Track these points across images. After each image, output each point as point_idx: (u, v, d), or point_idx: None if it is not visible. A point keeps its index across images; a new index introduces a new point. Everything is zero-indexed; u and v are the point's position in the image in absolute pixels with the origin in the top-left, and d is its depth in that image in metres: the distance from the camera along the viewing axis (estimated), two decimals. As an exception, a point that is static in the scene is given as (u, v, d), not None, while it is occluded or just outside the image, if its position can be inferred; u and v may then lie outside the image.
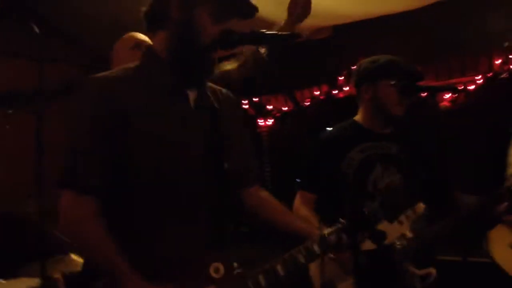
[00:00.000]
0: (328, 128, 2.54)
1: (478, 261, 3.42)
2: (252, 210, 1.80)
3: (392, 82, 2.37)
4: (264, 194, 1.84)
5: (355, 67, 2.56)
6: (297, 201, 2.48)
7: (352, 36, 4.93)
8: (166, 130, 1.53)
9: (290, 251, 1.60)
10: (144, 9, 1.61)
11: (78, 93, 1.54)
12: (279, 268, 1.57)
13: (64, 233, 1.53)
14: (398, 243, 2.00)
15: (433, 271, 2.27)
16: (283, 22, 2.17)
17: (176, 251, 1.50)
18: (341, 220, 1.59)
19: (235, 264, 1.53)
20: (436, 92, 2.57)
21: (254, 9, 1.59)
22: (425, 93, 2.63)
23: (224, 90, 1.76)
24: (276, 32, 1.49)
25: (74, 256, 3.08)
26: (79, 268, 2.97)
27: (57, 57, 4.58)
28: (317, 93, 5.80)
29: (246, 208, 1.79)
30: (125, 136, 1.47)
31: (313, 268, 2.18)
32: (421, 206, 2.27)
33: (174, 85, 1.58)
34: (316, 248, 1.59)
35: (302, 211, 2.40)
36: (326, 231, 1.61)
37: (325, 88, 5.68)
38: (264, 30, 1.49)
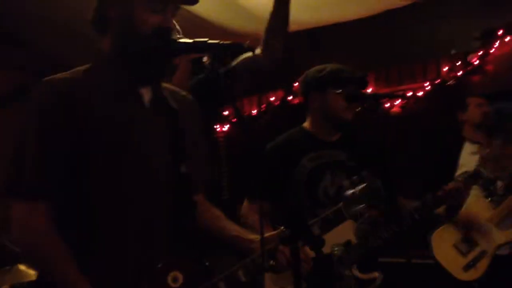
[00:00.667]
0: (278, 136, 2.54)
1: (422, 262, 3.52)
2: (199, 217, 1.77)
3: (339, 91, 2.42)
4: (206, 202, 1.81)
5: (301, 77, 2.58)
6: (245, 208, 2.47)
7: (306, 43, 5.01)
8: (121, 131, 1.51)
9: (250, 257, 1.60)
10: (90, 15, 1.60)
11: (29, 97, 1.51)
12: (240, 273, 1.57)
13: (18, 244, 1.50)
14: (336, 249, 2.03)
15: (377, 275, 2.30)
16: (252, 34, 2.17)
17: (133, 259, 1.48)
18: (281, 228, 1.61)
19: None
20: (381, 99, 2.62)
21: None
22: (372, 101, 2.68)
23: (183, 92, 1.74)
24: (218, 42, 1.49)
25: (22, 267, 2.99)
26: (27, 279, 2.91)
27: (5, 62, 4.48)
28: (273, 99, 5.85)
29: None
30: (79, 139, 1.45)
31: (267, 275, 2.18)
32: (372, 209, 2.34)
33: (126, 85, 1.55)
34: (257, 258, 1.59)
35: (250, 219, 2.39)
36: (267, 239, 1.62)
37: (280, 94, 5.73)
38: (206, 39, 1.49)
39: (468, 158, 3.30)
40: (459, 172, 3.30)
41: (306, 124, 2.57)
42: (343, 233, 2.27)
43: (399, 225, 2.49)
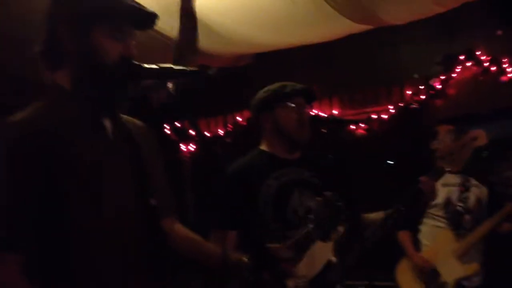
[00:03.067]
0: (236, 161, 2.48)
1: (385, 285, 3.54)
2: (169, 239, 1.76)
3: (288, 105, 2.42)
4: (180, 227, 1.80)
5: (251, 101, 2.56)
6: (215, 242, 2.39)
7: (271, 65, 5.03)
8: (92, 169, 1.45)
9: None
10: (38, 48, 1.51)
11: None
12: None
13: None
14: (300, 282, 2.00)
15: None
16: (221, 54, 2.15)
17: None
18: (244, 258, 1.59)
19: None
20: (339, 124, 2.61)
21: (154, 16, 1.53)
22: (333, 124, 2.68)
23: (137, 121, 1.71)
24: (184, 68, 1.47)
25: None
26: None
27: None
28: (240, 119, 5.85)
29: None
30: (51, 182, 1.38)
31: None
32: (340, 229, 2.32)
33: (91, 118, 1.50)
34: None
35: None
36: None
37: (247, 114, 5.73)
38: (171, 66, 1.47)
39: (441, 190, 3.30)
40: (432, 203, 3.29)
41: (262, 146, 2.53)
42: (322, 254, 2.27)
43: (371, 238, 2.47)
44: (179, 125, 6.20)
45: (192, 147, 6.15)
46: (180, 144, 6.20)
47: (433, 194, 2.54)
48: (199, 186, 5.99)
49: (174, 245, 1.74)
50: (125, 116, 1.65)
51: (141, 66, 1.50)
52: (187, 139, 6.16)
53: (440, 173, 2.48)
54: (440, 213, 3.35)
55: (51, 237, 1.39)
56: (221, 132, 5.97)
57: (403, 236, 3.34)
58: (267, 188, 2.34)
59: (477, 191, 3.44)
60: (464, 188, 3.42)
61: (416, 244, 3.45)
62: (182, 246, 1.78)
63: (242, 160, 2.47)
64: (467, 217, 3.37)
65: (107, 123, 1.54)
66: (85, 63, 1.48)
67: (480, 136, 2.33)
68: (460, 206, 3.38)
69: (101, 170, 1.46)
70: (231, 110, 5.88)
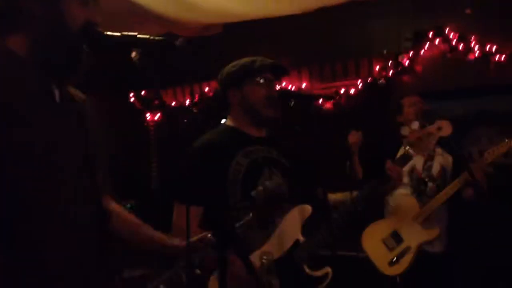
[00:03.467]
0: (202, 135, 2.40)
1: (348, 255, 3.61)
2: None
3: (257, 80, 2.35)
4: (116, 205, 1.71)
5: (219, 74, 2.48)
6: (178, 217, 2.30)
7: (241, 36, 4.96)
8: (38, 137, 1.37)
9: (172, 269, 1.55)
10: None
11: None
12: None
13: None
14: (264, 258, 1.99)
15: (329, 269, 2.26)
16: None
17: (55, 277, 1.36)
18: (208, 235, 1.56)
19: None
20: (307, 100, 2.58)
21: None
22: (302, 100, 2.63)
23: (80, 93, 1.61)
24: (148, 37, 1.41)
25: None
26: None
27: None
28: (206, 89, 5.77)
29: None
30: None
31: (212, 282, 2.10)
32: (308, 209, 2.30)
33: (40, 86, 1.42)
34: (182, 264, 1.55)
35: (193, 230, 2.27)
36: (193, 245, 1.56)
37: (214, 84, 5.66)
38: (135, 34, 1.42)
39: None
40: None
41: (228, 122, 2.46)
42: (290, 234, 2.26)
43: (338, 221, 2.40)
44: (143, 93, 6.10)
45: (157, 116, 6.07)
46: (145, 113, 6.10)
47: (399, 180, 2.54)
48: (164, 156, 5.94)
49: (120, 230, 1.67)
50: (70, 87, 1.57)
51: (104, 34, 1.44)
52: (152, 108, 6.07)
53: (407, 159, 2.49)
54: (405, 180, 3.41)
55: None
56: (187, 102, 5.89)
57: None
58: (237, 165, 2.28)
59: (441, 160, 3.54)
60: (429, 156, 3.49)
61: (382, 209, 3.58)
62: (120, 226, 1.68)
63: (209, 136, 2.39)
64: (430, 184, 3.47)
65: (56, 93, 1.46)
66: (49, 28, 1.40)
67: (445, 127, 2.38)
68: (424, 174, 3.47)
69: (50, 142, 1.39)
70: (198, 80, 5.79)
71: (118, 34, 1.43)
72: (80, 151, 1.47)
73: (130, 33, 1.43)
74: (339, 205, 2.44)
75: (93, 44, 1.43)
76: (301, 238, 2.25)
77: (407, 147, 2.43)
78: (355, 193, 2.41)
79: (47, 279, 1.34)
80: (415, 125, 2.49)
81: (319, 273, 2.26)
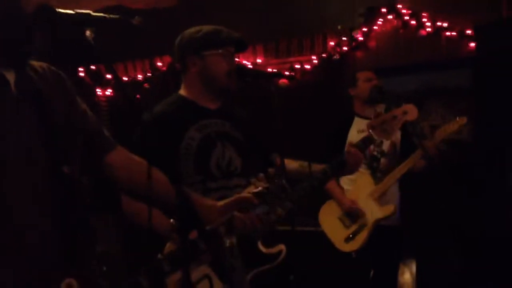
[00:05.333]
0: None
1: (306, 230, 3.67)
2: (120, 176, 1.68)
3: (219, 51, 2.28)
4: (125, 153, 1.71)
5: (177, 40, 2.36)
6: None
7: (194, 9, 4.87)
8: None
9: (153, 261, 1.52)
10: None
11: None
12: (165, 263, 1.51)
13: None
14: (228, 241, 1.96)
15: (283, 247, 2.25)
16: None
17: (20, 272, 1.32)
18: (171, 220, 1.53)
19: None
20: (265, 78, 2.50)
21: None
22: (260, 78, 2.56)
23: (44, 65, 1.54)
24: (103, 15, 1.37)
25: None
26: None
27: None
28: (160, 64, 5.66)
29: (115, 175, 1.66)
30: None
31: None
32: (265, 185, 2.29)
33: None
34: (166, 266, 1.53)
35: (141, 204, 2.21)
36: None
37: (167, 59, 5.56)
38: (89, 12, 1.37)
39: (356, 136, 3.38)
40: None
41: (182, 91, 2.37)
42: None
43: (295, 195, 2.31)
44: (94, 68, 5.93)
45: (108, 92, 5.92)
46: (96, 89, 5.94)
47: (357, 166, 2.46)
48: (116, 133, 5.81)
49: (125, 175, 1.68)
50: (33, 62, 1.50)
51: (57, 11, 1.38)
52: (104, 83, 5.91)
53: (369, 143, 2.45)
54: (392, 137, 3.45)
55: None
56: (140, 77, 5.76)
57: (330, 184, 3.41)
58: (189, 140, 2.23)
59: None
60: None
61: None
62: (132, 172, 1.68)
63: (161, 107, 2.29)
64: (383, 160, 3.52)
65: (11, 76, 1.39)
66: (5, 11, 1.35)
67: (411, 111, 2.34)
68: (376, 150, 3.52)
69: (3, 135, 1.33)
70: (150, 54, 5.66)
71: (72, 12, 1.38)
72: (39, 140, 1.39)
73: (84, 11, 1.38)
74: (294, 174, 2.40)
75: (48, 23, 1.37)
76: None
77: (370, 130, 2.39)
78: (313, 166, 2.38)
79: None
80: (380, 108, 2.48)
81: (272, 250, 2.24)
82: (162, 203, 1.70)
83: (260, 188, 1.89)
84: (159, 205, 1.75)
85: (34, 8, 1.35)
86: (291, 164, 2.46)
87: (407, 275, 3.72)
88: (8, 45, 1.37)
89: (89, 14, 1.38)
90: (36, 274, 1.33)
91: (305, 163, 2.38)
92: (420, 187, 3.90)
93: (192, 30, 2.34)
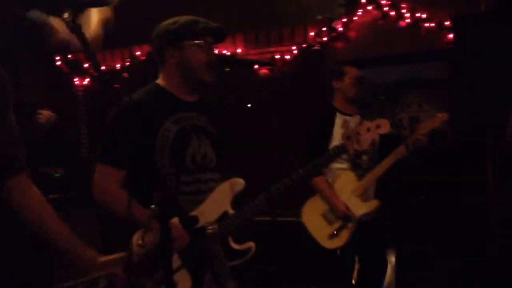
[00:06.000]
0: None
1: (286, 220, 3.67)
2: (18, 207, 1.53)
3: (197, 42, 2.25)
4: (36, 193, 1.58)
5: (154, 30, 2.33)
6: (101, 178, 2.19)
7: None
8: None
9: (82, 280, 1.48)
10: None
11: None
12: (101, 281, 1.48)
13: None
14: (209, 227, 1.97)
15: (252, 244, 2.27)
16: None
17: None
18: (152, 207, 1.50)
19: None
20: (245, 66, 2.52)
21: None
22: (241, 67, 2.57)
23: None
24: None
25: None
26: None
27: None
28: (138, 53, 5.60)
29: (12, 203, 1.52)
30: None
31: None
32: (241, 182, 2.31)
33: None
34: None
35: (116, 192, 2.14)
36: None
37: (146, 48, 5.50)
38: None
39: (339, 131, 3.42)
40: (332, 144, 3.37)
41: (160, 81, 2.34)
42: (220, 205, 2.26)
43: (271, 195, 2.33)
44: (71, 57, 5.84)
45: (86, 81, 5.84)
46: (74, 78, 5.86)
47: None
48: (93, 122, 5.75)
49: (24, 212, 1.54)
50: None
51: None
52: (81, 73, 5.82)
53: (343, 152, 2.51)
54: (366, 148, 3.46)
55: None
56: (118, 66, 5.69)
57: (319, 181, 3.44)
58: (165, 131, 2.21)
59: None
60: None
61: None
62: (35, 216, 1.55)
63: (137, 95, 2.25)
64: (364, 157, 3.53)
65: None
66: None
67: (383, 125, 2.43)
68: None
69: None
70: (129, 43, 5.60)
71: None
72: None
73: None
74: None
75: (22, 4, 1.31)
76: (230, 211, 2.25)
77: (345, 141, 2.44)
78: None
79: None
80: (355, 120, 2.53)
81: (242, 246, 2.27)
82: None
83: None
84: None
85: None
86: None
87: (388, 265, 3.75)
88: None
89: None
90: None
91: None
92: (398, 178, 3.93)
93: (170, 21, 2.31)
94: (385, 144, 3.48)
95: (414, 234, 4.02)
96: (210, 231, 1.94)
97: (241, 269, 2.26)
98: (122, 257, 1.62)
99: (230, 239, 2.26)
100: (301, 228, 3.48)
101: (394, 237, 3.92)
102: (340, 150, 2.44)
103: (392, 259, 3.77)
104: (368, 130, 2.40)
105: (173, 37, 2.26)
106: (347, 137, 2.40)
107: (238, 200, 2.31)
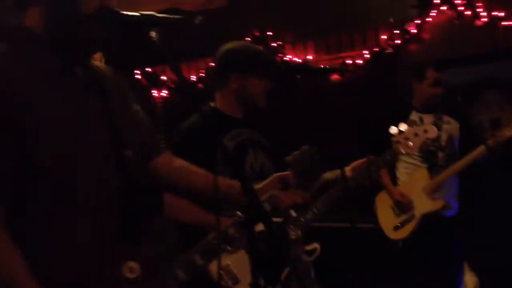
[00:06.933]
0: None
1: (367, 227, 3.70)
2: (168, 180, 1.75)
3: (264, 73, 2.42)
4: (178, 161, 1.77)
5: (220, 52, 2.49)
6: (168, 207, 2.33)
7: (245, 9, 4.92)
8: (60, 120, 1.40)
9: (207, 239, 1.57)
10: None
11: None
12: (197, 257, 1.53)
13: None
14: (292, 233, 2.05)
15: (317, 245, 2.37)
16: None
17: (86, 252, 1.41)
18: (238, 213, 1.58)
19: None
20: (317, 74, 2.72)
21: None
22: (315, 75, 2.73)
23: (103, 66, 1.64)
24: (167, 16, 1.42)
25: None
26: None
27: None
28: (213, 64, 5.73)
29: (161, 180, 1.73)
30: (21, 129, 1.33)
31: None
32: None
33: (61, 65, 1.44)
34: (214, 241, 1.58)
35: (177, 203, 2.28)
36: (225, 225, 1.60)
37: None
38: (153, 13, 1.42)
39: None
40: None
41: (217, 104, 2.52)
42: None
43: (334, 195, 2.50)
44: (149, 70, 6.07)
45: (164, 93, 6.04)
46: (152, 90, 6.08)
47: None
48: (171, 134, 5.93)
49: (171, 180, 1.74)
50: (94, 63, 1.59)
51: (122, 14, 1.44)
52: (159, 85, 6.04)
53: (394, 157, 2.65)
54: (415, 151, 3.45)
55: (21, 186, 1.35)
56: (193, 78, 5.86)
57: (382, 173, 3.50)
58: (224, 148, 2.31)
59: (448, 128, 3.58)
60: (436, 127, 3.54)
61: (393, 179, 3.64)
62: (181, 178, 1.76)
63: (195, 120, 2.40)
64: (441, 154, 3.52)
65: (78, 70, 1.49)
66: (61, 10, 1.42)
67: (430, 130, 2.55)
68: (433, 145, 3.52)
69: (71, 121, 1.42)
70: (203, 55, 5.75)
71: (137, 14, 1.43)
72: (103, 128, 1.48)
73: (148, 13, 1.43)
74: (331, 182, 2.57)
75: (111, 25, 1.44)
76: (293, 213, 2.30)
77: (394, 145, 2.54)
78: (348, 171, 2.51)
79: (71, 249, 1.40)
80: (403, 126, 2.60)
81: (308, 247, 2.36)
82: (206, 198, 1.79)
83: None
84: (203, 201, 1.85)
85: (93, 9, 1.41)
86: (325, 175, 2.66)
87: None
88: (72, 43, 1.44)
89: (153, 15, 1.43)
90: (102, 249, 1.43)
91: (337, 171, 2.52)
92: (479, 178, 3.84)
93: (237, 47, 2.48)
94: (465, 145, 3.47)
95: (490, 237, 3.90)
96: (293, 236, 2.01)
97: (320, 276, 2.31)
98: (274, 180, 1.81)
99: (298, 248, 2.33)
100: (380, 235, 3.54)
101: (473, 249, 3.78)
102: (392, 155, 2.54)
103: (472, 278, 3.63)
104: (416, 135, 2.50)
105: (239, 65, 2.41)
106: (396, 141, 2.49)
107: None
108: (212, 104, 2.53)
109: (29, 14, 1.43)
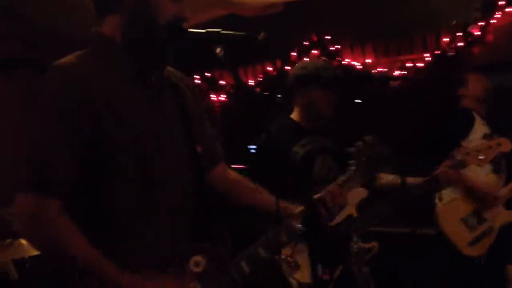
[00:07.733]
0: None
1: (426, 233, 3.57)
2: (220, 190, 1.80)
3: (325, 87, 2.70)
4: (232, 173, 1.85)
5: (288, 73, 2.87)
6: None
7: (303, 12, 4.92)
8: (137, 119, 1.48)
9: (269, 232, 1.61)
10: None
11: (42, 84, 1.45)
12: (261, 250, 1.57)
13: (27, 236, 1.45)
14: (355, 246, 2.13)
15: (376, 244, 2.49)
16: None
17: (155, 246, 1.48)
18: (298, 226, 1.62)
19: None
20: (375, 81, 2.86)
21: None
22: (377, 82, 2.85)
23: (176, 72, 1.72)
24: (231, 33, 1.50)
25: (23, 241, 2.98)
26: (28, 254, 2.90)
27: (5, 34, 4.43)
28: (270, 68, 5.77)
29: (215, 188, 1.78)
30: (96, 129, 1.41)
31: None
32: (363, 191, 2.53)
33: (137, 71, 1.53)
34: (284, 236, 1.63)
35: None
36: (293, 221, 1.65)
37: (278, 63, 5.65)
38: (219, 30, 1.49)
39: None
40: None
41: (294, 116, 2.85)
42: (347, 209, 2.47)
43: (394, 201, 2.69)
44: (209, 74, 6.17)
45: (222, 97, 6.13)
46: (210, 94, 6.18)
47: (448, 183, 2.79)
48: (229, 138, 6.00)
49: (226, 191, 1.80)
50: (170, 68, 1.68)
51: (188, 31, 1.51)
52: (218, 89, 6.13)
53: (462, 165, 2.68)
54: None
55: (93, 183, 1.43)
56: (251, 82, 5.91)
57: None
58: (294, 154, 2.64)
59: None
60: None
61: None
62: (235, 191, 1.83)
63: (273, 130, 2.62)
64: (503, 161, 3.40)
65: (153, 74, 1.57)
66: (137, 18, 1.50)
67: (505, 143, 2.55)
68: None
69: (143, 121, 1.49)
70: (261, 60, 5.79)
71: (203, 31, 1.51)
72: (181, 133, 1.57)
73: (214, 30, 1.51)
74: (389, 189, 2.64)
75: (177, 39, 1.51)
76: (355, 214, 2.51)
77: (464, 156, 2.59)
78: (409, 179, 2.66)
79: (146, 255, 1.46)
80: (477, 139, 2.61)
81: (366, 245, 2.49)
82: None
83: None
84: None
85: (167, 21, 1.48)
86: (385, 178, 2.92)
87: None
88: (148, 50, 1.52)
89: (219, 32, 1.51)
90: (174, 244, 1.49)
91: (397, 177, 2.76)
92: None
93: (300, 65, 2.90)
94: None
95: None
96: (355, 250, 2.07)
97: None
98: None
99: (357, 238, 2.44)
100: (441, 240, 3.36)
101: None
102: (460, 165, 2.64)
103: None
104: (489, 147, 2.52)
105: (301, 81, 2.77)
106: (466, 153, 2.53)
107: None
108: (291, 116, 2.87)
109: (108, 21, 1.53)
